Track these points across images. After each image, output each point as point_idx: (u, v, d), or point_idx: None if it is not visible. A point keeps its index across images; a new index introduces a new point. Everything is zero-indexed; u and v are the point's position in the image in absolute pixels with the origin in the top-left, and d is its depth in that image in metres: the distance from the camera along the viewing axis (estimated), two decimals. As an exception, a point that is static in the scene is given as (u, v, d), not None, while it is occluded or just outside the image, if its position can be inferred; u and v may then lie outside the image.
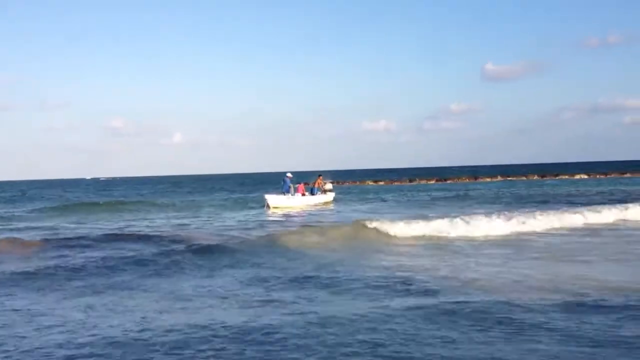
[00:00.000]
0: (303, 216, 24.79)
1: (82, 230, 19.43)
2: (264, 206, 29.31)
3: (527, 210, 22.40)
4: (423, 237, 16.66)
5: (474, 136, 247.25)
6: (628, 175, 68.50)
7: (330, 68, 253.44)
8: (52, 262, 12.69)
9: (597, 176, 68.91)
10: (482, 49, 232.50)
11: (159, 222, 23.16)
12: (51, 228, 20.91)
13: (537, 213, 19.97)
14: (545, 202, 29.50)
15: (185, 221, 22.98)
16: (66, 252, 14.36)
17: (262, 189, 53.73)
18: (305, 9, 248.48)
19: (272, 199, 29.43)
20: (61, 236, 17.53)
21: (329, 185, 35.11)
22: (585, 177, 69.58)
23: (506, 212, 20.28)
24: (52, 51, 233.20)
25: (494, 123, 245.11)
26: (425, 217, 19.48)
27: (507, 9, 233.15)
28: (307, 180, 38.18)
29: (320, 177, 34.71)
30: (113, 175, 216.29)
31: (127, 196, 51.64)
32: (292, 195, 30.64)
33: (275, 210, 28.09)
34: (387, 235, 16.91)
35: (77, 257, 13.33)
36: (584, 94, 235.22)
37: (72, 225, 21.95)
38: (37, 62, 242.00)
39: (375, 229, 17.38)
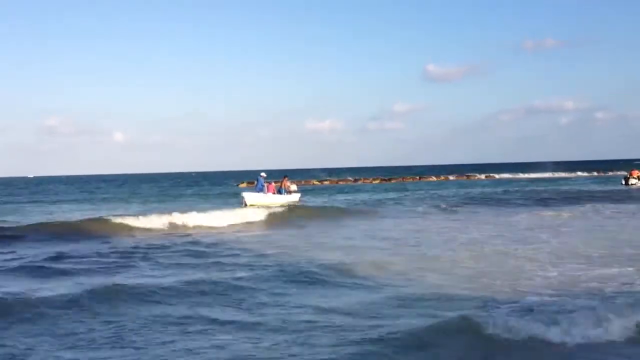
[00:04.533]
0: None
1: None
2: (241, 203, 31.08)
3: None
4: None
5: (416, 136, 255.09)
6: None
7: (274, 68, 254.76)
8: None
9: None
10: (423, 51, 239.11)
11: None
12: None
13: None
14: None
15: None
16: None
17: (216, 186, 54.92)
18: (247, 9, 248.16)
19: (249, 196, 31.27)
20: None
21: (293, 187, 36.87)
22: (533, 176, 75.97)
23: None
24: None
25: (435, 124, 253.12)
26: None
27: (448, 11, 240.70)
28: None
29: (286, 178, 36.43)
30: (50, 174, 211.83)
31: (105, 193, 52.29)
32: (265, 193, 32.39)
33: (251, 207, 29.89)
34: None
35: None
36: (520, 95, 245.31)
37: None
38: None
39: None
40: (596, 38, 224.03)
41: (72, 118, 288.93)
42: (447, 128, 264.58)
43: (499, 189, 46.06)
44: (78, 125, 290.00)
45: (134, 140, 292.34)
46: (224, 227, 22.95)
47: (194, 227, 22.82)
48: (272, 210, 27.07)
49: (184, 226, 22.99)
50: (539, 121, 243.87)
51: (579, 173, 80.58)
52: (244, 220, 24.68)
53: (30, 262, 14.23)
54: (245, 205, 30.49)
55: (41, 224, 22.88)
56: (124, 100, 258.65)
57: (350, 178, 79.60)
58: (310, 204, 33.37)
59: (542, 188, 46.20)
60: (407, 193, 44.68)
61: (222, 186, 67.60)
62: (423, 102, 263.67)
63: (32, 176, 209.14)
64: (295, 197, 35.02)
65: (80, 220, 23.58)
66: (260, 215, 25.80)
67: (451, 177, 78.84)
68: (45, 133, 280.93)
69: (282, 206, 31.46)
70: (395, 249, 15.70)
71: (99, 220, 23.28)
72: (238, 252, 15.64)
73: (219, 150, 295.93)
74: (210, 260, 14.32)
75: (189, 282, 11.04)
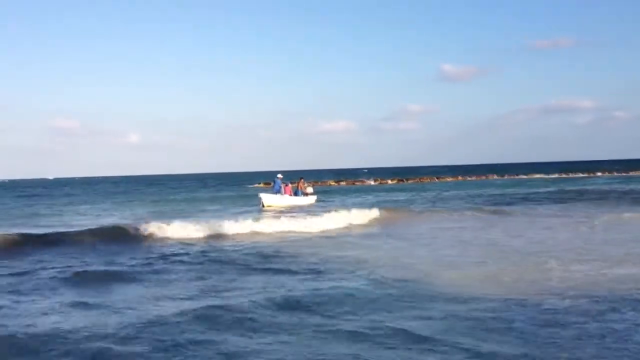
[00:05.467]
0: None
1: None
2: (259, 204, 30.69)
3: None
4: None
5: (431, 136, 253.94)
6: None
7: (286, 69, 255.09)
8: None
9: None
10: (437, 51, 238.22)
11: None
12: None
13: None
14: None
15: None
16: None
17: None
18: (262, 12, 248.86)
19: (266, 197, 30.87)
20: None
21: (310, 189, 36.50)
22: (544, 176, 74.36)
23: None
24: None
25: (447, 124, 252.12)
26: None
27: (462, 11, 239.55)
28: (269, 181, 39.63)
29: (302, 180, 36.07)
30: (67, 176, 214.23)
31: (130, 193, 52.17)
32: (282, 195, 32.12)
33: (268, 208, 29.59)
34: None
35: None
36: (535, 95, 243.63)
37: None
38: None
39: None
40: (611, 37, 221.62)
41: (86, 120, 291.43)
42: (459, 128, 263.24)
43: (544, 189, 43.72)
44: (92, 127, 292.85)
45: (146, 141, 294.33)
46: (312, 232, 19.59)
47: (275, 233, 19.41)
48: (349, 216, 22.98)
49: (291, 232, 19.65)
50: (554, 121, 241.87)
51: (599, 173, 79.21)
52: (323, 227, 20.77)
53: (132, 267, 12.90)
54: (263, 206, 30.11)
55: (99, 228, 19.31)
56: (137, 101, 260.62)
57: (370, 180, 78.81)
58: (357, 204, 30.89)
59: (581, 188, 43.97)
60: (432, 193, 43.03)
61: (236, 187, 67.31)
62: (435, 103, 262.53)
63: (51, 178, 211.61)
64: (311, 199, 34.71)
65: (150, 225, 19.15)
66: (338, 221, 21.92)
67: (469, 178, 77.81)
68: (60, 135, 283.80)
69: (301, 207, 31.14)
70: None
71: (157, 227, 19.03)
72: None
73: (230, 151, 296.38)
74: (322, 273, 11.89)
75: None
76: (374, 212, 24.48)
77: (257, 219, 21.41)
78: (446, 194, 42.46)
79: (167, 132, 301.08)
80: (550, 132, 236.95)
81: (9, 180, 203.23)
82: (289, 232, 19.62)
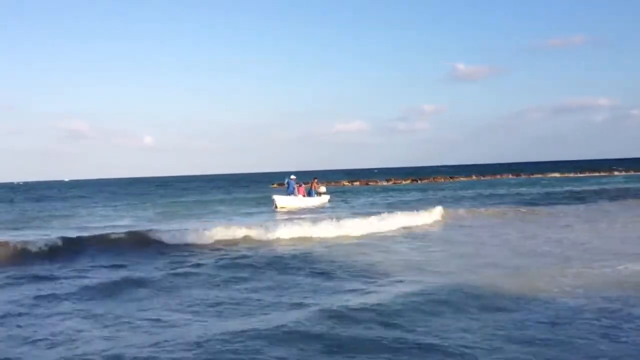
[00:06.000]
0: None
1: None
2: (272, 206, 30.38)
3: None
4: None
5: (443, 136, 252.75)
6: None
7: (298, 69, 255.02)
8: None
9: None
10: (450, 50, 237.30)
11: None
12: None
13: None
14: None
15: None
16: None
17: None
18: (273, 13, 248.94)
19: (279, 199, 30.54)
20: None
21: (322, 188, 36.19)
22: (558, 175, 73.22)
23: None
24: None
25: (463, 123, 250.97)
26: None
27: (474, 11, 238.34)
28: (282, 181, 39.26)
29: (315, 180, 35.76)
30: (81, 178, 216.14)
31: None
32: (295, 195, 31.75)
33: (282, 210, 29.26)
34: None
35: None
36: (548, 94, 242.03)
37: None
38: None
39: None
40: (625, 34, 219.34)
41: (98, 122, 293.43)
42: (472, 127, 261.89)
43: (573, 188, 43.07)
44: (104, 129, 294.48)
45: (158, 143, 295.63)
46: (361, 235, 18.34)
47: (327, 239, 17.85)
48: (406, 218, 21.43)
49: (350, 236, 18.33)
50: (568, 119, 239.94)
51: (616, 173, 78.13)
52: (398, 226, 20.14)
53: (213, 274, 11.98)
54: (276, 207, 29.81)
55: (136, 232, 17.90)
56: (152, 103, 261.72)
57: (384, 181, 78.22)
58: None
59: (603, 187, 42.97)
60: (449, 192, 42.45)
61: (247, 188, 67.05)
62: (447, 102, 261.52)
63: (67, 180, 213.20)
64: (325, 199, 34.47)
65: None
66: (391, 223, 20.48)
67: (483, 177, 77.00)
68: (73, 137, 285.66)
69: (314, 207, 30.79)
70: None
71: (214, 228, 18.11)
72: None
73: (242, 153, 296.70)
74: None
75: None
76: (428, 214, 22.69)
77: (314, 222, 19.42)
78: (468, 192, 41.97)
79: (179, 134, 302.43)
80: (564, 130, 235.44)
81: (23, 182, 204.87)
82: (339, 237, 18.05)
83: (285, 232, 18.13)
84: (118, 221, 24.80)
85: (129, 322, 8.11)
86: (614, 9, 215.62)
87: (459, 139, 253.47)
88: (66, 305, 9.32)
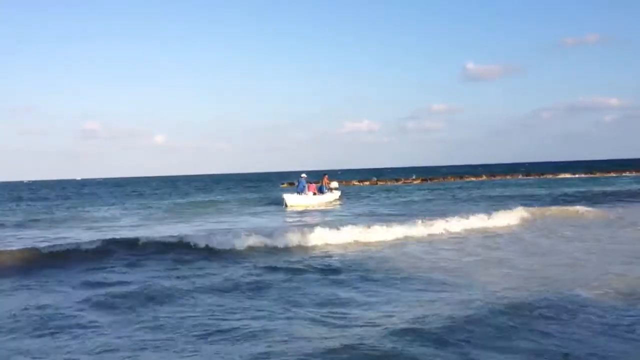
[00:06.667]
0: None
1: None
2: (282, 205, 30.65)
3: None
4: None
5: (455, 136, 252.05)
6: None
7: (312, 71, 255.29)
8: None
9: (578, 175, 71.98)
10: (463, 50, 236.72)
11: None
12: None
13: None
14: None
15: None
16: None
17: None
18: (287, 13, 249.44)
19: (289, 198, 30.87)
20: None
21: (334, 184, 36.55)
22: (569, 176, 72.83)
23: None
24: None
25: (475, 123, 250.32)
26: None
27: (487, 10, 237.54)
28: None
29: (326, 177, 36.07)
30: (93, 177, 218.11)
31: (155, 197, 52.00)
32: (305, 194, 32.05)
33: (292, 208, 29.58)
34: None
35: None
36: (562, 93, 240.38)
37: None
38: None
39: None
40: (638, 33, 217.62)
41: (111, 122, 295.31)
42: (483, 127, 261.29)
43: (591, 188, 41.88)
44: (117, 130, 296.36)
45: (171, 142, 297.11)
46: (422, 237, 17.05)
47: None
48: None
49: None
50: (580, 119, 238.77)
51: (626, 173, 77.59)
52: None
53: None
54: (286, 206, 30.11)
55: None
56: (164, 103, 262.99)
57: (392, 178, 78.32)
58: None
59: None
60: (464, 192, 42.18)
61: (258, 188, 67.33)
62: (459, 102, 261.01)
63: (79, 178, 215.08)
64: (336, 195, 34.82)
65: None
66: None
67: (493, 178, 76.79)
68: (87, 137, 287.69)
69: (320, 205, 31.09)
70: None
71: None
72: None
73: (253, 153, 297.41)
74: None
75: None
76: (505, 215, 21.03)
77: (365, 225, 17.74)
78: (491, 192, 41.33)
79: (192, 134, 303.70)
80: (576, 130, 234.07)
81: (31, 181, 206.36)
82: (397, 239, 16.72)
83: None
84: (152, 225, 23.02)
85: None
86: (628, 8, 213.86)
87: (474, 139, 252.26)
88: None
